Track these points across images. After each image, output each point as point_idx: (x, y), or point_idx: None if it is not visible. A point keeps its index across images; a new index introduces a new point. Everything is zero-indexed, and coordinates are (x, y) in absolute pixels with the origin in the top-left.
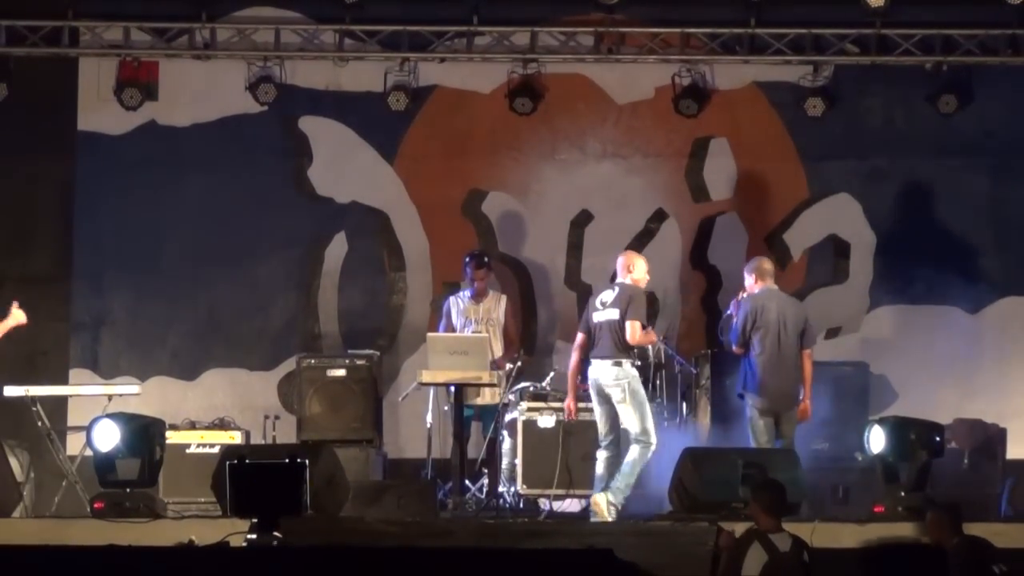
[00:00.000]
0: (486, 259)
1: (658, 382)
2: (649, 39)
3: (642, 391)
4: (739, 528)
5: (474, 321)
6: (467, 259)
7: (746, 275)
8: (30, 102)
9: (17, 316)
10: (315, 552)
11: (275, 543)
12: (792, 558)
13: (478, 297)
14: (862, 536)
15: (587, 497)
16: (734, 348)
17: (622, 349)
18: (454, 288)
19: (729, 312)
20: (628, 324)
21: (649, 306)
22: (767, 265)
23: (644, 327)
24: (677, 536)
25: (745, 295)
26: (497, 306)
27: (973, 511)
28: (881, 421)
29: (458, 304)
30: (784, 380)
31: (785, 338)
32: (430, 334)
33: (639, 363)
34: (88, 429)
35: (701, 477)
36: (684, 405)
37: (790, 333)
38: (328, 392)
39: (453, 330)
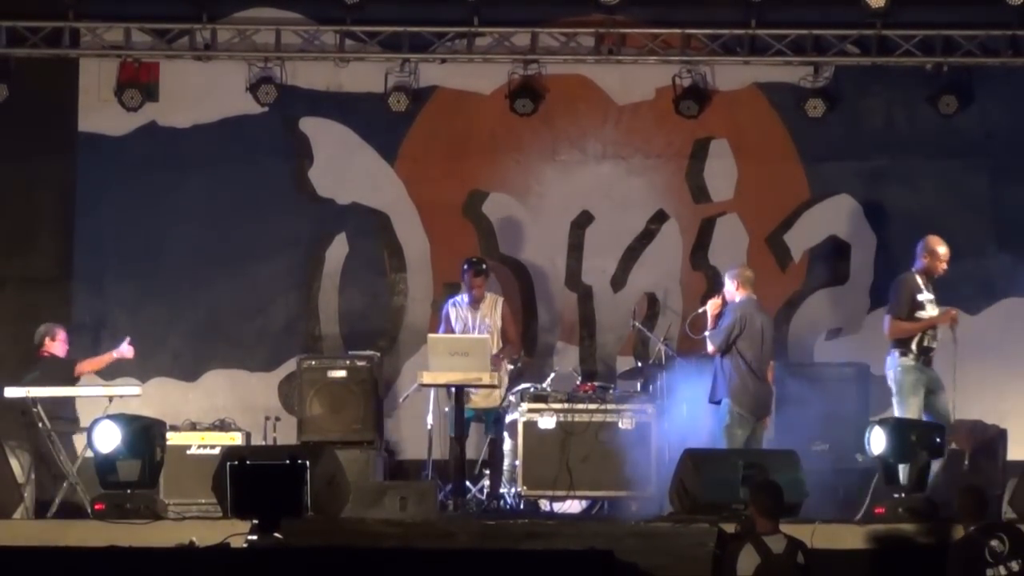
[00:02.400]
0: (484, 266)
1: (659, 383)
2: (650, 40)
3: (908, 385)
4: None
5: (472, 327)
6: (465, 266)
7: (728, 280)
8: (31, 103)
9: (124, 351)
10: (316, 553)
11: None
12: (786, 560)
13: (476, 303)
14: (862, 537)
15: (588, 498)
16: (712, 350)
17: (891, 342)
18: (453, 291)
19: (703, 311)
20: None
21: (649, 307)
22: (749, 273)
23: (898, 319)
24: (677, 537)
25: (731, 301)
26: (494, 310)
27: None
28: (882, 422)
29: (457, 309)
30: (764, 388)
31: (765, 348)
32: (431, 335)
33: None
34: (89, 430)
35: (702, 478)
36: (685, 406)
37: (767, 345)
38: (329, 393)
39: (452, 333)
